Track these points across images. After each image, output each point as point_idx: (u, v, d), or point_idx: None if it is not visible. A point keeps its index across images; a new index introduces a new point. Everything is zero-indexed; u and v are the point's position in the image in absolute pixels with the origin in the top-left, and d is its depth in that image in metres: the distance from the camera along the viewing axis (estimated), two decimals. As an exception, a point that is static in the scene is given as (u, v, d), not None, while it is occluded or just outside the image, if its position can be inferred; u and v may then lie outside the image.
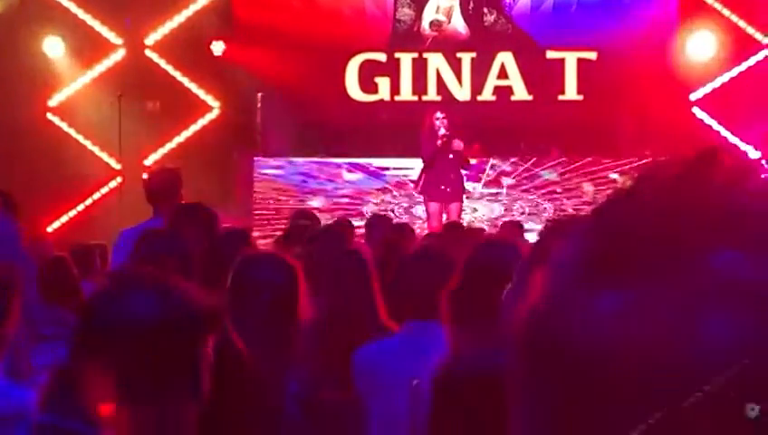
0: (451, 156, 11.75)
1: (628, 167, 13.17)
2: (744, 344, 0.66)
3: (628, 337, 0.68)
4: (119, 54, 14.36)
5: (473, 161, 12.59)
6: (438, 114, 11.85)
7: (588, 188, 13.57)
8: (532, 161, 13.72)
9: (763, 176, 0.73)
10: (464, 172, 12.15)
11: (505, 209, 13.59)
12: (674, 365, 0.67)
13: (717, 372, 0.66)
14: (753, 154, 13.89)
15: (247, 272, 3.51)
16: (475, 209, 13.42)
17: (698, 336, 0.67)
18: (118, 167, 14.21)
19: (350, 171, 13.86)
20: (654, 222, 0.71)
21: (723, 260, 0.68)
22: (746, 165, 0.73)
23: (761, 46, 14.32)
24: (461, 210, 12.05)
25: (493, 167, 13.70)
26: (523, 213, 13.57)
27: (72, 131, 14.25)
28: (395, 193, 13.76)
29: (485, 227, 12.08)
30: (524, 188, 13.67)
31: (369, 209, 13.37)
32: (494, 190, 13.67)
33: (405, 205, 13.63)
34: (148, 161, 13.98)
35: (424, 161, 11.97)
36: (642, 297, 0.69)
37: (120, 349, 2.00)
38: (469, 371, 2.43)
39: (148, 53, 14.36)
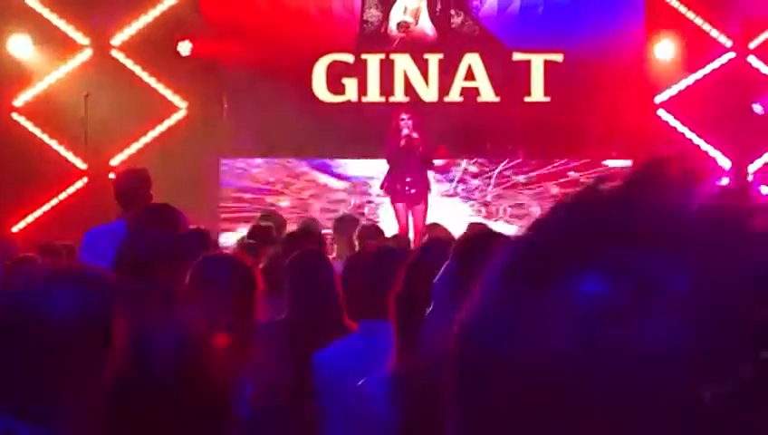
0: (414, 156, 11.75)
1: (593, 169, 13.24)
2: (671, 352, 0.66)
3: (546, 342, 0.68)
4: (85, 54, 14.30)
5: (438, 163, 12.60)
6: (403, 115, 11.87)
7: (553, 189, 13.64)
8: (504, 163, 13.76)
9: (710, 182, 0.72)
10: (430, 173, 12.16)
11: (488, 212, 13.61)
12: (586, 371, 0.67)
13: (627, 378, 0.66)
14: (716, 156, 14.00)
15: (203, 273, 3.52)
16: (441, 210, 13.44)
17: (617, 342, 0.67)
18: (84, 167, 14.14)
19: (316, 172, 13.87)
20: (587, 230, 0.71)
21: (648, 267, 0.68)
22: (692, 173, 0.73)
23: (725, 49, 14.43)
24: (426, 211, 12.06)
25: (460, 168, 13.73)
26: (506, 214, 13.63)
27: (37, 131, 14.16)
28: (361, 194, 13.77)
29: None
30: (494, 189, 13.72)
31: (336, 210, 13.37)
32: (462, 192, 13.71)
33: (371, 205, 13.64)
34: (115, 161, 13.93)
35: (387, 161, 11.99)
36: (557, 303, 0.69)
37: (32, 347, 2.01)
38: (411, 374, 2.44)
39: (114, 53, 14.30)
